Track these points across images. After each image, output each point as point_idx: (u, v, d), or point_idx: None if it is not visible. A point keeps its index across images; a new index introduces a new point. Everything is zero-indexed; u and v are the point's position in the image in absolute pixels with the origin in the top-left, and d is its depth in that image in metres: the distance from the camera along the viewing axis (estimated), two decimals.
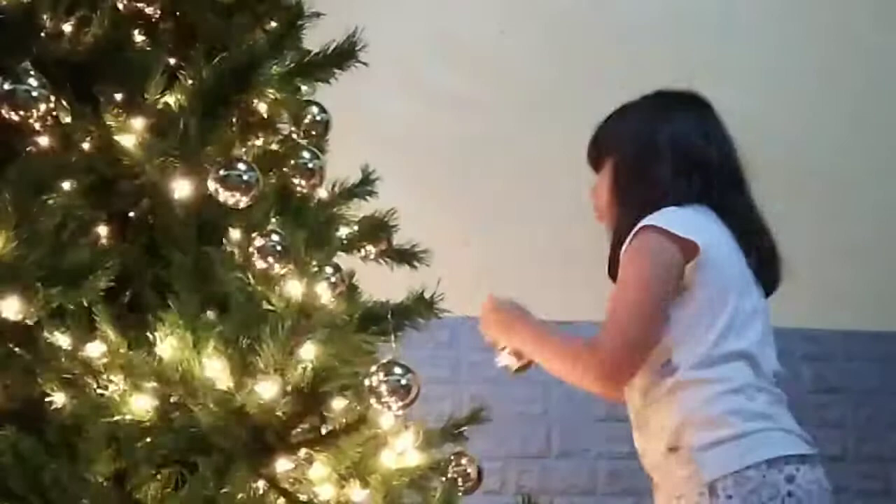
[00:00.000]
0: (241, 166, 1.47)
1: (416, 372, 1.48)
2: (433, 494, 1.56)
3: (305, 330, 1.43)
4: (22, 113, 1.39)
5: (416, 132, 2.91)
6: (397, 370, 1.47)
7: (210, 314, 1.43)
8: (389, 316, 1.55)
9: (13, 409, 1.38)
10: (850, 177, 3.26)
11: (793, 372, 3.18)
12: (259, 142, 1.61)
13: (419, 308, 1.57)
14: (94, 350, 1.40)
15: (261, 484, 1.39)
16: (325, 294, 1.56)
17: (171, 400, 1.39)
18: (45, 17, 1.50)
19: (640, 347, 1.70)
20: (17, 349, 1.41)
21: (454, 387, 2.86)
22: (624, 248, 1.73)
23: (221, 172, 1.45)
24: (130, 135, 1.49)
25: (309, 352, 1.46)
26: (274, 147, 1.60)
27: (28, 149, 1.46)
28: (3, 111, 1.39)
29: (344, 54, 1.69)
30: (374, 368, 1.48)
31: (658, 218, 1.70)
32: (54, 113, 1.43)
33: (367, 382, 1.47)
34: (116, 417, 1.34)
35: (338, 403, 1.51)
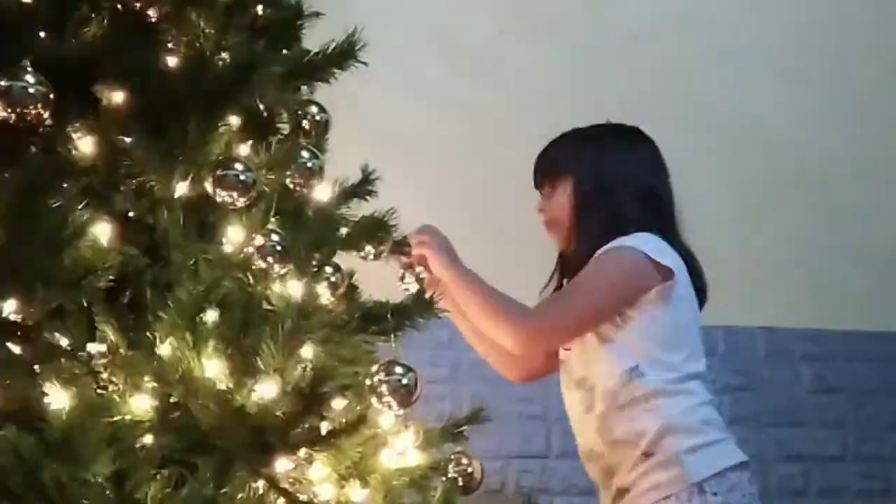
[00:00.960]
0: (239, 166, 1.47)
1: (417, 371, 1.49)
2: (433, 494, 1.56)
3: (305, 330, 1.43)
4: (20, 111, 1.39)
5: (416, 132, 2.90)
6: (398, 370, 1.47)
7: (210, 314, 1.43)
8: (389, 316, 1.55)
9: (13, 409, 1.38)
10: (850, 177, 3.26)
11: (793, 372, 3.19)
12: (258, 141, 1.61)
13: (419, 308, 1.57)
14: (94, 350, 1.40)
15: (261, 484, 1.39)
16: (324, 294, 1.56)
17: (171, 400, 1.38)
18: (44, 16, 1.50)
19: (569, 334, 1.90)
20: (16, 349, 1.41)
21: (454, 387, 2.86)
22: (600, 251, 1.86)
23: (219, 172, 1.46)
24: (130, 135, 1.49)
25: (309, 352, 1.46)
26: (273, 147, 1.60)
27: (28, 149, 1.46)
28: (1, 109, 1.39)
29: (344, 54, 1.69)
30: (374, 368, 1.48)
31: (634, 240, 1.85)
32: (53, 112, 1.43)
33: (367, 382, 1.48)
34: (116, 417, 1.34)
35: (338, 403, 1.51)
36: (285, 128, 1.68)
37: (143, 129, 1.50)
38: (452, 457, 1.69)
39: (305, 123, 1.68)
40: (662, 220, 1.94)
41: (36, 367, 1.40)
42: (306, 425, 1.43)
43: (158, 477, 1.32)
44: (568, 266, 1.96)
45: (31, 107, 1.40)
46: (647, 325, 1.85)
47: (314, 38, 1.73)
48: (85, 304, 1.39)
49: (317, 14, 1.75)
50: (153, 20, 1.57)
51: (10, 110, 1.39)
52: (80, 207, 1.43)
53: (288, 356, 1.41)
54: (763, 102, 3.22)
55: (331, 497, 1.47)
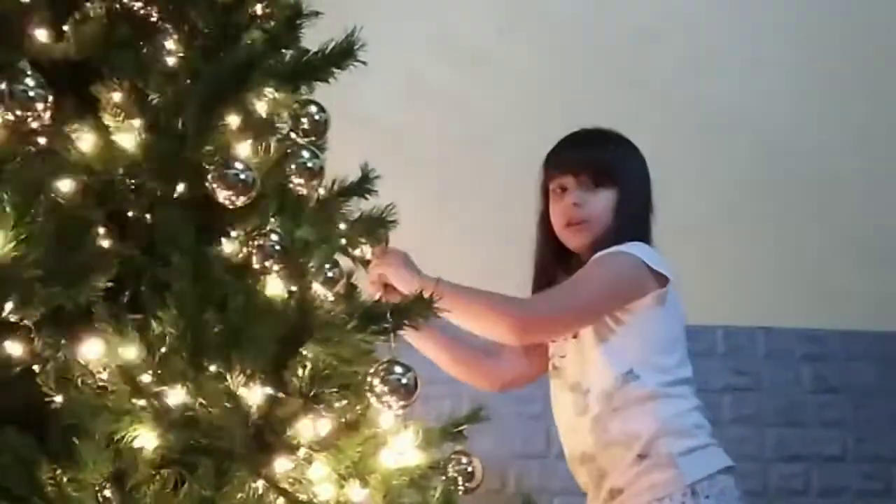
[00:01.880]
0: (239, 165, 1.47)
1: (416, 371, 1.49)
2: (433, 494, 1.56)
3: (305, 330, 1.43)
4: (19, 113, 1.39)
5: (415, 132, 2.90)
6: (397, 369, 1.47)
7: (210, 314, 1.42)
8: (389, 316, 1.55)
9: (13, 409, 1.38)
10: (850, 176, 3.26)
11: (793, 372, 3.19)
12: (258, 141, 1.60)
13: (419, 308, 1.56)
14: (94, 350, 1.40)
15: (260, 484, 1.39)
16: (324, 292, 1.56)
17: (171, 400, 1.38)
18: (43, 16, 1.50)
19: (566, 326, 1.92)
20: (16, 349, 1.41)
21: (454, 387, 2.85)
22: (599, 254, 1.89)
23: (219, 171, 1.45)
24: (130, 135, 1.49)
25: (309, 352, 1.46)
26: (273, 146, 1.60)
27: (27, 149, 1.45)
28: (1, 111, 1.39)
29: (343, 54, 1.68)
30: (374, 368, 1.48)
31: (631, 248, 1.89)
32: (52, 111, 1.43)
33: (367, 382, 1.47)
34: (116, 417, 1.33)
35: (338, 403, 1.51)
36: (285, 127, 1.67)
37: (143, 129, 1.49)
38: (452, 456, 1.68)
39: (305, 123, 1.67)
40: (650, 233, 2.01)
41: (36, 367, 1.40)
42: (306, 425, 1.43)
43: (158, 477, 1.32)
44: (579, 265, 1.95)
45: (30, 110, 1.40)
46: (644, 329, 1.88)
47: (314, 38, 1.73)
48: (85, 304, 1.39)
49: (316, 13, 1.75)
50: (153, 20, 1.57)
51: (10, 113, 1.39)
52: (79, 207, 1.43)
53: (288, 356, 1.41)
54: (764, 103, 3.22)
55: (331, 497, 1.47)
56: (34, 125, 1.41)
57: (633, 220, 1.96)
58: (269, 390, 1.40)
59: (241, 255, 1.49)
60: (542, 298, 1.95)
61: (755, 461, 3.05)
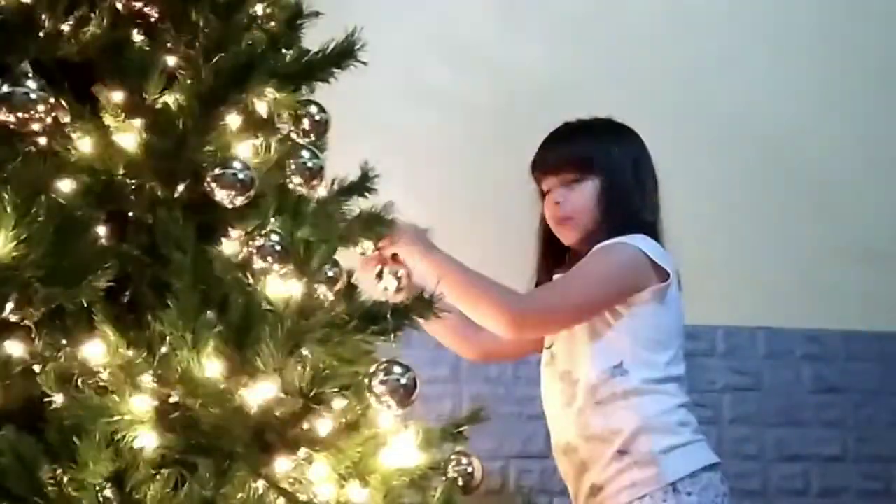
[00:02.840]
0: (237, 165, 1.47)
1: (416, 371, 1.49)
2: (433, 494, 1.56)
3: (305, 330, 1.43)
4: (20, 114, 1.39)
5: (415, 132, 2.90)
6: (397, 370, 1.47)
7: (210, 314, 1.42)
8: (389, 316, 1.55)
9: (13, 409, 1.38)
10: (850, 176, 3.25)
11: (793, 372, 3.18)
12: (258, 141, 1.60)
13: (419, 308, 1.56)
14: (94, 350, 1.40)
15: (261, 484, 1.39)
16: (324, 292, 1.56)
17: (171, 400, 1.38)
18: (43, 16, 1.50)
19: (563, 322, 1.90)
20: (16, 349, 1.41)
21: (454, 387, 2.86)
22: (599, 246, 1.87)
23: (217, 171, 1.45)
24: (130, 135, 1.49)
25: (309, 352, 1.46)
26: (273, 146, 1.60)
27: (27, 149, 1.45)
28: (2, 113, 1.39)
29: (344, 54, 1.68)
30: (373, 368, 1.48)
31: (633, 240, 1.86)
32: (53, 114, 1.43)
33: (367, 382, 1.47)
34: (116, 417, 1.33)
35: (338, 403, 1.51)
36: (285, 127, 1.67)
37: (143, 129, 1.49)
38: (452, 457, 1.68)
39: (305, 123, 1.67)
40: (657, 223, 1.97)
41: (36, 367, 1.40)
42: (306, 425, 1.43)
43: (158, 477, 1.32)
44: (575, 261, 1.95)
45: (32, 112, 1.40)
46: (638, 324, 1.87)
47: (314, 38, 1.73)
48: (85, 304, 1.39)
49: (316, 13, 1.75)
50: (153, 20, 1.57)
51: (11, 115, 1.39)
52: (79, 207, 1.43)
53: (288, 356, 1.41)
54: (764, 104, 3.22)
55: (331, 497, 1.47)
56: (35, 127, 1.41)
57: (622, 206, 1.92)
58: (269, 390, 1.40)
59: (241, 255, 1.49)
60: (540, 295, 1.94)
61: (755, 461, 3.05)
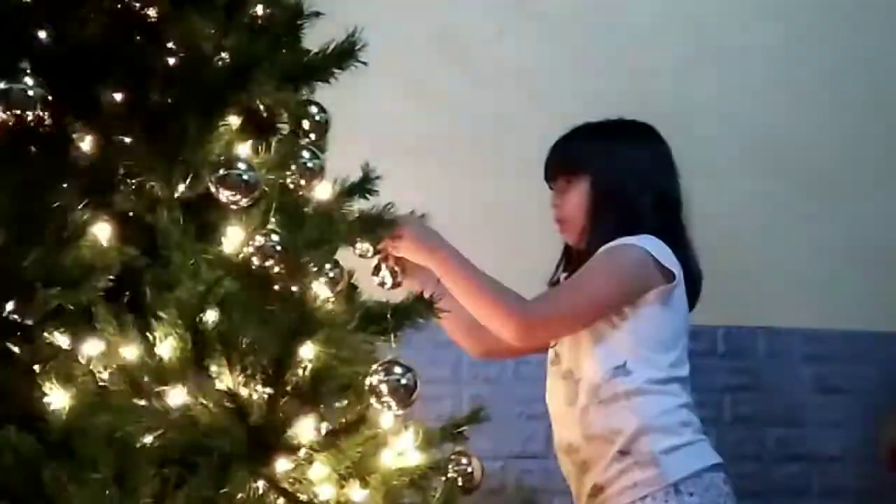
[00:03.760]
0: (242, 165, 1.47)
1: (416, 371, 1.49)
2: (433, 494, 1.56)
3: (305, 330, 1.43)
4: (19, 113, 1.39)
5: (416, 132, 2.90)
6: (397, 370, 1.47)
7: (210, 314, 1.42)
8: (389, 316, 1.55)
9: (13, 409, 1.38)
10: (850, 176, 3.25)
11: (793, 372, 3.18)
12: (258, 141, 1.61)
13: (419, 308, 1.56)
14: (94, 350, 1.40)
15: (261, 484, 1.39)
16: (324, 292, 1.56)
17: (171, 400, 1.38)
18: (43, 16, 1.50)
19: (569, 326, 1.89)
20: (16, 349, 1.41)
21: (454, 387, 2.86)
22: (604, 248, 1.86)
23: (222, 172, 1.45)
24: (131, 135, 1.49)
25: (309, 352, 1.46)
26: (274, 146, 1.60)
27: (28, 149, 1.45)
28: (1, 111, 1.39)
29: (344, 54, 1.68)
30: (374, 368, 1.48)
31: (639, 240, 1.85)
32: (52, 113, 1.43)
33: (367, 382, 1.48)
34: (116, 417, 1.34)
35: (338, 403, 1.51)
36: (285, 128, 1.67)
37: (143, 129, 1.50)
38: (452, 457, 1.68)
39: (305, 123, 1.67)
40: (672, 223, 1.95)
41: (36, 367, 1.40)
42: (306, 425, 1.43)
43: (158, 477, 1.32)
44: (578, 263, 1.95)
45: (30, 109, 1.40)
46: (642, 325, 1.86)
47: (314, 38, 1.73)
48: (85, 304, 1.39)
49: (317, 14, 1.75)
50: (153, 20, 1.57)
51: (9, 113, 1.39)
52: (80, 207, 1.43)
53: (288, 356, 1.41)
54: (765, 104, 3.22)
55: (331, 497, 1.47)
56: (33, 125, 1.41)
57: (611, 206, 1.92)
58: (269, 390, 1.40)
59: (241, 256, 1.49)
60: (546, 303, 1.92)
61: (755, 461, 3.05)
